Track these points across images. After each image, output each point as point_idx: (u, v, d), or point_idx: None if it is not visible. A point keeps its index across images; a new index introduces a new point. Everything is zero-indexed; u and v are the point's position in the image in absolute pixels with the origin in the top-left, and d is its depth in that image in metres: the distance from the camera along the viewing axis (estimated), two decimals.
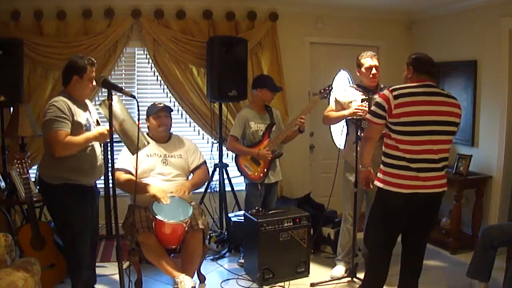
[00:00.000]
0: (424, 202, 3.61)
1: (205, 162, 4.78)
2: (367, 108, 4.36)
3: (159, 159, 4.49)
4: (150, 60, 5.64)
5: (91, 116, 3.86)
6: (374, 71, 4.50)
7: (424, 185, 3.52)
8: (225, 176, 5.62)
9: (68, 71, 3.72)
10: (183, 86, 5.69)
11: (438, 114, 3.49)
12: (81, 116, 3.71)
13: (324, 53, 6.30)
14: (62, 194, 3.70)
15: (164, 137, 4.62)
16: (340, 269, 4.76)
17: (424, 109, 3.46)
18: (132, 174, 4.35)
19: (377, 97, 4.20)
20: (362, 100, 4.45)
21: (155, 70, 5.68)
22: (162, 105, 4.58)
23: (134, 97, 3.41)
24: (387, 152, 3.63)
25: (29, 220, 4.42)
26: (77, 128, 3.66)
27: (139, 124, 3.63)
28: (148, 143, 3.95)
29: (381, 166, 3.69)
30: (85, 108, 3.83)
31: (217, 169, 5.60)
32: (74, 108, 3.66)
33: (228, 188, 5.65)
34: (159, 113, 4.54)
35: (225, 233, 5.54)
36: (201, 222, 4.38)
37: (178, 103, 5.76)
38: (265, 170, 4.95)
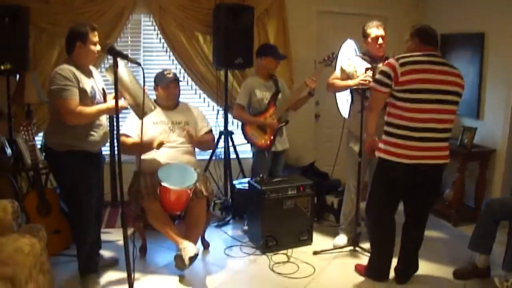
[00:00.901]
0: (425, 173, 3.58)
1: (211, 129, 4.73)
2: (371, 78, 4.32)
3: (165, 126, 4.43)
4: (156, 27, 5.52)
5: (96, 84, 3.79)
6: (380, 41, 4.40)
7: (426, 155, 3.51)
8: (230, 143, 5.55)
9: (71, 38, 3.64)
10: (189, 53, 5.58)
11: (444, 83, 3.46)
12: (86, 83, 3.65)
13: (331, 22, 6.14)
14: (68, 160, 3.67)
15: (172, 105, 4.56)
16: (342, 238, 4.74)
17: (430, 78, 3.44)
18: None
19: (382, 66, 4.14)
20: (367, 70, 4.37)
21: (161, 37, 5.57)
22: (171, 75, 4.46)
23: (139, 64, 3.30)
24: (389, 122, 3.61)
25: (34, 186, 4.39)
26: (83, 95, 3.60)
27: (145, 89, 3.56)
28: (155, 107, 3.87)
29: (383, 136, 3.66)
30: (90, 75, 3.76)
31: (222, 136, 5.53)
32: (80, 75, 3.60)
33: (233, 156, 5.60)
34: (169, 84, 4.46)
35: (230, 200, 5.51)
36: (205, 189, 4.34)
37: (184, 70, 5.66)
38: (272, 137, 4.87)
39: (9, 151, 4.77)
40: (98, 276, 3.98)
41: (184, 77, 5.71)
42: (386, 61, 3.93)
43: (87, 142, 3.73)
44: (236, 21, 5.24)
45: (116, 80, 3.21)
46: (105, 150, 4.68)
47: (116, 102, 3.25)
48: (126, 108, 3.74)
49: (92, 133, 3.74)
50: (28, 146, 4.22)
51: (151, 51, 5.77)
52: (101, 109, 3.65)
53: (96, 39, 3.67)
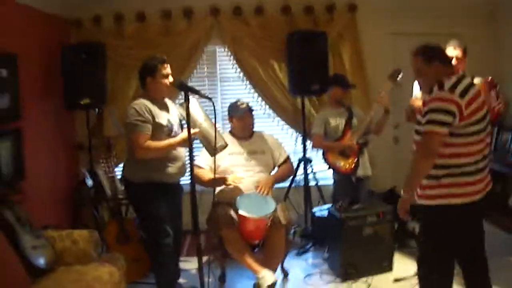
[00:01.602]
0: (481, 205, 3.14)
1: (289, 156, 4.67)
2: None
3: (241, 156, 4.42)
4: (231, 58, 5.59)
5: (172, 117, 3.88)
6: (454, 61, 4.18)
7: (483, 188, 3.07)
8: (309, 170, 5.47)
9: (142, 73, 3.76)
10: (264, 81, 5.59)
11: (483, 107, 3.06)
12: (162, 117, 3.74)
13: (406, 43, 5.87)
14: (145, 190, 3.77)
15: (247, 135, 4.55)
16: None
17: (479, 104, 3.01)
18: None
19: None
20: None
21: (237, 67, 5.61)
22: (244, 106, 4.46)
23: (210, 99, 3.33)
24: (445, 164, 3.01)
25: (114, 216, 4.53)
26: (158, 129, 3.70)
27: (216, 126, 3.59)
28: (226, 145, 3.91)
29: (431, 181, 3.07)
30: (166, 108, 3.85)
31: (302, 163, 5.44)
32: (154, 109, 3.70)
33: (312, 183, 5.49)
34: (243, 115, 4.46)
35: (310, 228, 5.38)
36: (284, 217, 4.25)
37: (261, 98, 5.67)
38: (356, 160, 4.72)
39: (90, 182, 4.96)
40: None
41: (261, 105, 5.72)
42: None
43: (164, 174, 3.81)
44: (310, 48, 5.18)
45: (188, 116, 3.26)
46: (186, 179, 4.76)
47: (189, 133, 3.27)
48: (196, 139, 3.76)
49: (170, 165, 3.82)
50: (108, 177, 4.39)
51: (227, 81, 5.83)
52: (172, 142, 3.71)
53: (166, 71, 3.75)
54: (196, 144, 3.80)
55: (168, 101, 3.98)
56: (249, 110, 4.50)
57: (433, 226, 3.17)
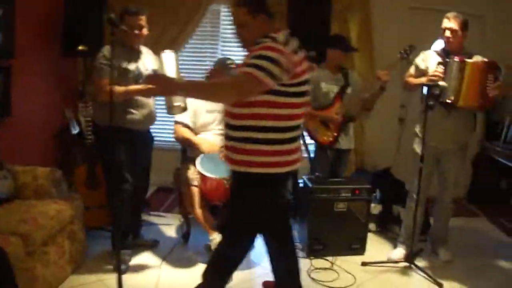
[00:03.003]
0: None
1: None
2: (440, 73, 3.70)
3: (219, 114, 4.09)
4: None
5: (144, 65, 3.69)
6: (447, 34, 3.74)
7: (298, 158, 2.70)
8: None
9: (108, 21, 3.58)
10: None
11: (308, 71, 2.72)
12: (130, 63, 3.60)
13: (425, 18, 5.35)
14: (107, 134, 3.59)
15: None
16: (399, 252, 4.07)
17: (305, 67, 2.67)
18: (190, 128, 4.10)
19: (456, 60, 3.64)
20: (438, 64, 3.75)
21: None
22: (234, 67, 4.06)
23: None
24: (273, 127, 2.54)
25: (85, 160, 4.35)
26: (123, 75, 3.55)
27: None
28: (185, 109, 3.65)
29: (256, 146, 2.54)
30: (138, 56, 3.69)
31: None
32: (123, 55, 3.57)
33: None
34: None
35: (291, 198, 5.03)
36: None
37: None
38: (335, 134, 4.32)
39: (74, 127, 4.81)
40: (129, 254, 3.84)
41: None
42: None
43: (127, 120, 3.63)
44: (312, 12, 4.76)
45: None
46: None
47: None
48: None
49: (133, 111, 3.65)
50: (86, 121, 4.21)
51: (229, 42, 5.50)
52: (130, 89, 3.54)
53: (137, 23, 3.57)
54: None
55: (144, 49, 3.79)
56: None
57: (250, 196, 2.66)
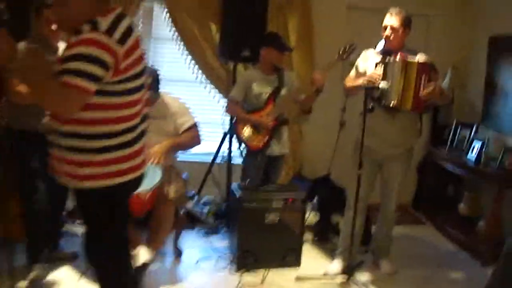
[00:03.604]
0: None
1: (196, 124, 3.85)
2: (379, 75, 3.37)
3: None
4: (167, 16, 4.82)
5: None
6: (388, 31, 3.43)
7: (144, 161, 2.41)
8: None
9: None
10: (200, 45, 4.80)
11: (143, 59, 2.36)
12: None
13: (365, 19, 5.04)
14: (19, 138, 3.28)
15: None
16: (337, 265, 3.72)
17: (139, 55, 2.28)
18: None
19: (397, 59, 3.34)
20: (377, 65, 3.43)
21: (172, 27, 4.83)
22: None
23: None
24: (99, 134, 2.18)
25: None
26: None
27: None
28: None
29: (86, 156, 2.16)
30: (54, 51, 3.27)
31: (227, 137, 4.70)
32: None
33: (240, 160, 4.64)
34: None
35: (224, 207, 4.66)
36: (173, 192, 3.54)
37: (194, 63, 4.90)
38: (267, 139, 3.95)
39: None
40: (46, 267, 3.41)
41: (193, 70, 4.95)
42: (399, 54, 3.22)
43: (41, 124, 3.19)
44: (247, 9, 4.37)
45: None
46: None
47: None
48: None
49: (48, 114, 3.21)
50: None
51: (162, 42, 5.09)
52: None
53: (49, 16, 3.16)
54: None
55: (63, 45, 3.30)
56: (151, 94, 3.60)
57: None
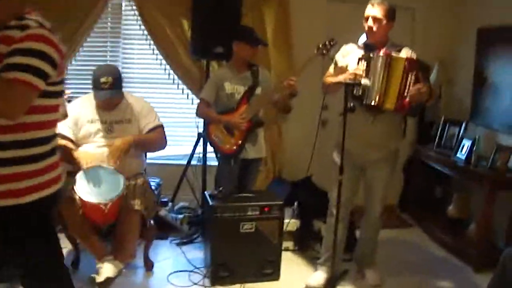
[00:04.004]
0: None
1: (161, 126, 3.53)
2: (362, 71, 3.05)
3: (103, 126, 3.37)
4: (137, 13, 4.47)
5: None
6: (370, 22, 3.10)
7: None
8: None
9: None
10: (171, 42, 4.46)
11: None
12: None
13: (346, 13, 4.65)
14: None
15: (110, 108, 3.43)
16: (319, 277, 3.42)
17: None
18: (71, 140, 3.34)
19: (381, 54, 3.01)
20: (359, 60, 3.11)
21: (141, 24, 4.50)
22: (107, 86, 3.25)
23: None
24: (34, 138, 1.92)
25: None
26: None
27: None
28: (65, 116, 2.96)
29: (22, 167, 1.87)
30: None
31: (201, 139, 4.37)
32: None
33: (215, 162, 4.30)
34: (104, 101, 3.35)
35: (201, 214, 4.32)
36: (140, 201, 3.22)
37: (165, 61, 4.56)
38: (240, 142, 3.62)
39: None
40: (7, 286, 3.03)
41: (165, 68, 4.63)
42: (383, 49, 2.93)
43: None
44: (221, 4, 4.04)
45: None
46: None
47: None
48: None
49: None
50: None
51: (131, 39, 4.72)
52: None
53: None
54: None
55: None
56: (112, 94, 3.33)
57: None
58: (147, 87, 4.74)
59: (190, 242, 4.06)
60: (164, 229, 4.16)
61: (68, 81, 4.00)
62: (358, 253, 3.64)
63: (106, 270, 3.02)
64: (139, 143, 3.40)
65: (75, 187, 3.07)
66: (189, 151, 4.46)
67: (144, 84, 4.75)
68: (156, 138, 3.50)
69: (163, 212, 4.24)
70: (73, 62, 4.54)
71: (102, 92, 3.29)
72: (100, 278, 2.97)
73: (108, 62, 4.60)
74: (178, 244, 4.01)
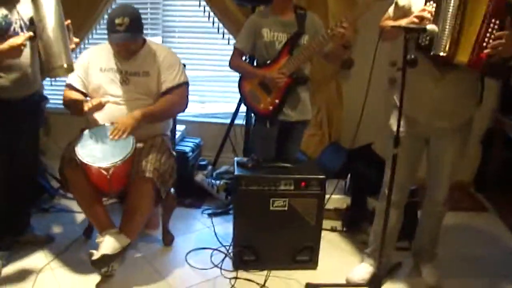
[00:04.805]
0: None
1: (183, 84, 2.89)
2: (430, 13, 2.20)
3: (117, 76, 2.81)
4: None
5: (14, 14, 2.49)
6: None
7: None
8: None
9: None
10: None
11: None
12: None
13: None
14: None
15: (127, 56, 2.84)
16: (363, 270, 2.73)
17: None
18: (82, 92, 2.84)
19: None
20: (427, 1, 2.28)
21: None
22: (123, 28, 2.66)
23: None
24: None
25: None
26: None
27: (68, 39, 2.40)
28: (71, 70, 2.39)
29: None
30: (10, 3, 2.50)
31: None
32: None
33: None
34: (118, 44, 2.76)
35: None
36: (152, 168, 2.65)
37: (209, 8, 3.92)
38: (277, 101, 2.94)
39: None
40: (5, 256, 2.76)
41: (209, 16, 3.99)
42: None
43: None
44: None
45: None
46: None
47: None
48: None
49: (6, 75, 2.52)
50: None
51: None
52: None
53: None
54: None
55: None
56: (128, 37, 2.72)
57: None
58: (190, 36, 4.18)
59: (225, 213, 3.47)
60: (199, 196, 3.66)
61: None
62: (416, 244, 2.90)
63: (105, 245, 2.50)
64: (151, 117, 2.79)
65: (76, 148, 2.58)
66: (233, 109, 3.86)
67: (187, 33, 4.19)
68: (172, 104, 2.87)
69: (199, 176, 3.71)
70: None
71: (116, 35, 2.68)
72: (95, 255, 2.47)
73: (149, 10, 4.06)
74: (209, 215, 3.45)
